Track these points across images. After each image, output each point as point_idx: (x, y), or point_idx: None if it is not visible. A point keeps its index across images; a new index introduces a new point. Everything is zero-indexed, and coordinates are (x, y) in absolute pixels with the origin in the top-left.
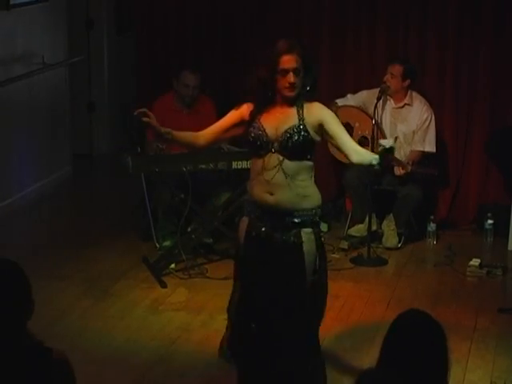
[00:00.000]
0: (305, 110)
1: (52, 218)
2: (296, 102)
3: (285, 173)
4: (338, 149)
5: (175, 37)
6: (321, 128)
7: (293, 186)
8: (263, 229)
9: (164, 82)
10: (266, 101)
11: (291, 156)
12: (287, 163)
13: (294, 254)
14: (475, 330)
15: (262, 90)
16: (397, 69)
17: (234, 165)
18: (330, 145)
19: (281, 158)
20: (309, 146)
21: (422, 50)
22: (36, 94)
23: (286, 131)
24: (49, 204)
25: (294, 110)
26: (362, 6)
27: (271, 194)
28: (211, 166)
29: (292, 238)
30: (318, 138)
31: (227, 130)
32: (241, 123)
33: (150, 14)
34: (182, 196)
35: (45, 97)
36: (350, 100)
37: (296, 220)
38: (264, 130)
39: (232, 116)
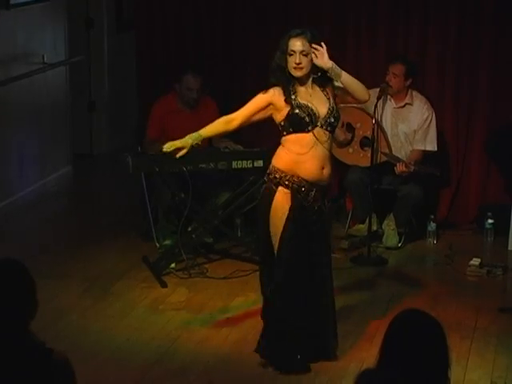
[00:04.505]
0: (327, 89)
1: (52, 218)
2: (315, 83)
3: (330, 147)
4: (346, 102)
5: (175, 35)
6: (334, 92)
7: (331, 159)
8: (312, 201)
9: (164, 81)
10: (287, 82)
11: (332, 131)
12: (331, 138)
13: (328, 220)
14: (475, 329)
15: (279, 72)
16: (399, 68)
17: (234, 164)
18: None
19: (327, 133)
20: (338, 123)
21: (423, 50)
22: (36, 94)
23: (328, 109)
24: (49, 203)
25: (318, 90)
26: (362, 6)
27: (323, 168)
28: (211, 165)
29: (327, 208)
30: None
31: (256, 113)
32: (267, 107)
33: (150, 12)
34: (183, 195)
35: (45, 96)
36: None
37: (327, 190)
38: (311, 107)
39: (260, 100)
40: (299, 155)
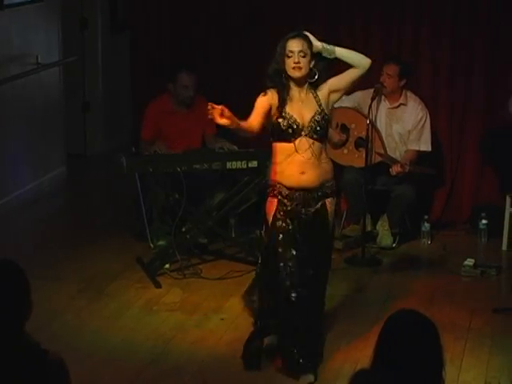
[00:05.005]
0: (318, 94)
1: (46, 218)
2: (310, 88)
3: (314, 153)
4: (355, 78)
5: (169, 36)
6: (330, 95)
7: (319, 163)
8: (293, 205)
9: (159, 82)
10: (284, 88)
11: (319, 139)
12: (316, 145)
13: (322, 221)
14: (470, 329)
15: (277, 76)
16: (393, 69)
17: (229, 165)
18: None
19: (311, 141)
20: (328, 127)
21: (417, 50)
22: (30, 94)
23: (312, 117)
24: (43, 204)
25: (311, 96)
26: (355, 6)
27: (303, 173)
28: (205, 166)
29: (320, 209)
30: (330, 113)
31: (265, 116)
32: (270, 109)
33: (144, 13)
34: (177, 196)
35: (39, 97)
36: (345, 101)
37: (322, 192)
38: (295, 119)
39: (264, 103)
40: (279, 164)
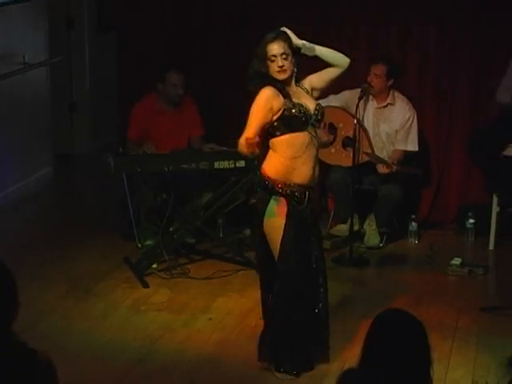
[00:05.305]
0: (308, 89)
1: (33, 219)
2: (295, 82)
3: (316, 145)
4: (334, 77)
5: (157, 36)
6: (312, 92)
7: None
8: (306, 203)
9: (146, 82)
10: (276, 83)
11: (319, 126)
12: (316, 135)
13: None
14: (457, 328)
15: (259, 79)
16: (380, 69)
17: (216, 165)
18: None
19: (314, 131)
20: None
21: (403, 50)
22: (17, 94)
23: (317, 105)
24: (30, 204)
25: (300, 89)
26: (343, 6)
27: (314, 168)
28: (193, 166)
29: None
30: None
31: (265, 122)
32: (270, 113)
33: (131, 13)
34: (164, 196)
35: (26, 97)
36: (333, 100)
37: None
38: (304, 106)
39: (264, 110)
40: (293, 159)
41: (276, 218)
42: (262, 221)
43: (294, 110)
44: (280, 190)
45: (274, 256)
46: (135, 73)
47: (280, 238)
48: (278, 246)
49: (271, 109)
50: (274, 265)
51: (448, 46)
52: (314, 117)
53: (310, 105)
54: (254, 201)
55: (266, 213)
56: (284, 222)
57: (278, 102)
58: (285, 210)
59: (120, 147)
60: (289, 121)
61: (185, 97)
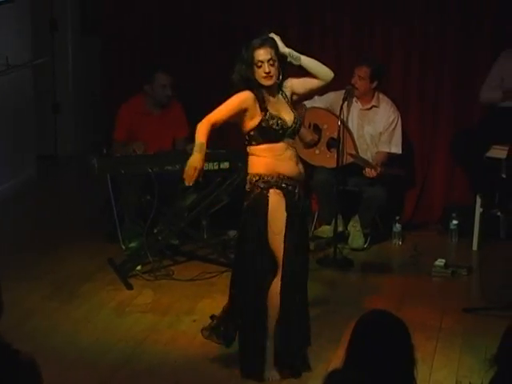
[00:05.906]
0: (286, 94)
1: (17, 220)
2: (278, 89)
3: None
4: (315, 89)
5: (141, 38)
6: (292, 96)
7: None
8: (297, 197)
9: (129, 84)
10: (259, 90)
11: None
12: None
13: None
14: (441, 329)
15: (244, 84)
16: (364, 71)
17: None
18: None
19: (291, 141)
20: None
21: (387, 51)
22: (0, 96)
23: (295, 118)
24: (13, 206)
25: (281, 98)
26: (327, 7)
27: (298, 164)
28: (177, 167)
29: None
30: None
31: (232, 117)
32: (243, 112)
33: (115, 14)
34: (148, 197)
35: (9, 98)
36: (318, 102)
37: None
38: (282, 119)
39: (242, 104)
40: (275, 158)
41: (278, 210)
42: (262, 219)
43: (271, 122)
44: (274, 183)
45: (267, 254)
46: (119, 74)
47: (283, 230)
48: (282, 243)
49: (245, 110)
50: (261, 265)
51: (432, 46)
52: (290, 130)
53: (288, 117)
54: (246, 202)
55: (269, 206)
56: (285, 214)
57: (255, 110)
58: (283, 200)
59: (104, 148)
60: (265, 132)
61: (172, 98)
